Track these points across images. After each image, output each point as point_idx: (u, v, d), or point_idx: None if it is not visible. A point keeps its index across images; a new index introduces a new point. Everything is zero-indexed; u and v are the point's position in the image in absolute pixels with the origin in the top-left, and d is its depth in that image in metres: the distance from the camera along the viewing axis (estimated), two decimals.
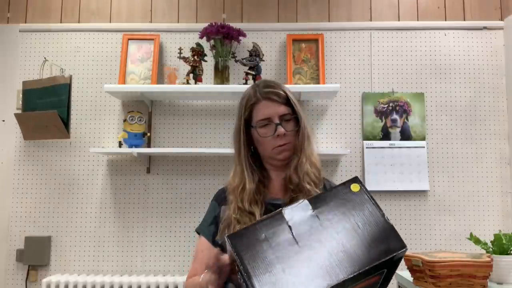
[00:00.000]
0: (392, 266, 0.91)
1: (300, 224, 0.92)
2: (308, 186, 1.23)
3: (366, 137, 2.55)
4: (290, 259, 0.87)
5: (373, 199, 0.95)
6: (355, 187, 0.97)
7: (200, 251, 1.29)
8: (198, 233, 1.33)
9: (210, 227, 1.29)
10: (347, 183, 0.98)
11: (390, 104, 2.57)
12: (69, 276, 2.40)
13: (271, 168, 1.33)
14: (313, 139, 1.31)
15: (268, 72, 2.58)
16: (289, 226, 0.92)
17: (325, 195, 0.98)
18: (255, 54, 2.48)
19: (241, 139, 1.29)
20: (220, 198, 1.33)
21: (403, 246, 0.89)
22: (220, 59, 2.48)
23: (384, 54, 2.62)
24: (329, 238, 0.90)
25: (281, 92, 1.28)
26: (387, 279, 0.97)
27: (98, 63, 2.64)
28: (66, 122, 2.51)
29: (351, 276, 0.85)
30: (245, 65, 2.48)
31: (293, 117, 1.27)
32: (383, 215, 0.92)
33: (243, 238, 0.92)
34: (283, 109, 1.26)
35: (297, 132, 1.27)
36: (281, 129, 1.24)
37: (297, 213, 0.94)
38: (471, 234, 1.86)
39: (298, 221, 0.93)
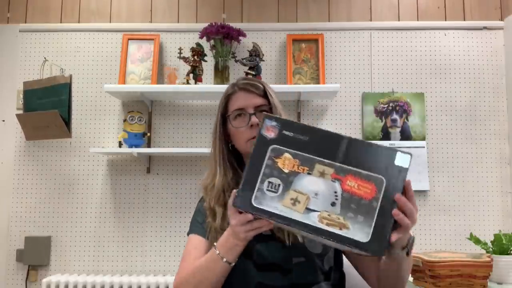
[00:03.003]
0: (392, 181, 0.88)
1: None
2: None
3: (366, 137, 2.55)
4: None
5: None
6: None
7: (193, 247, 1.20)
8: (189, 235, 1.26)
9: (204, 224, 1.23)
10: None
11: (390, 104, 2.57)
12: (69, 276, 2.40)
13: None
14: None
15: (268, 72, 2.58)
16: None
17: None
18: (255, 54, 2.48)
19: (217, 134, 1.26)
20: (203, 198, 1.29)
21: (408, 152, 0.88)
22: (220, 59, 2.48)
23: (384, 54, 2.62)
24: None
25: (259, 85, 1.25)
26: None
27: (98, 63, 2.64)
28: (67, 122, 2.51)
29: (342, 135, 0.90)
30: (245, 65, 2.48)
31: (270, 109, 1.22)
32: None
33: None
34: (259, 101, 1.23)
35: None
36: (254, 119, 1.19)
37: None
38: (471, 234, 1.86)
39: None
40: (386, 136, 2.55)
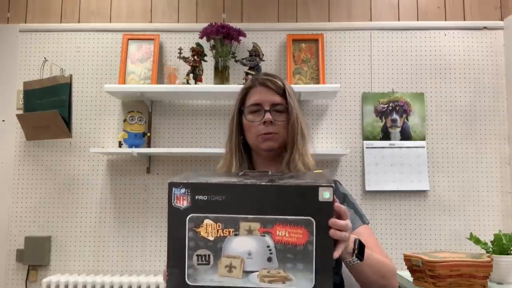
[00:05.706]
0: (320, 219, 0.83)
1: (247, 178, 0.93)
2: None
3: (366, 137, 2.55)
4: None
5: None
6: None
7: None
8: None
9: None
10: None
11: (390, 104, 2.57)
12: (69, 276, 2.40)
13: (258, 160, 1.29)
14: (308, 139, 1.27)
15: (268, 72, 2.58)
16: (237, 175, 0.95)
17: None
18: (255, 54, 2.48)
19: (234, 125, 1.28)
20: None
21: (329, 182, 0.83)
22: (220, 59, 2.48)
23: (384, 54, 2.62)
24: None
25: (279, 83, 1.25)
26: (326, 252, 0.84)
27: (98, 63, 2.64)
28: (67, 122, 2.52)
29: (257, 184, 0.84)
30: (245, 65, 2.48)
31: (286, 109, 1.23)
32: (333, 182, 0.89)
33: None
34: (276, 99, 1.23)
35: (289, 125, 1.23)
36: (268, 116, 1.21)
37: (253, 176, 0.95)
38: (471, 234, 1.86)
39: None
40: (386, 136, 2.55)
